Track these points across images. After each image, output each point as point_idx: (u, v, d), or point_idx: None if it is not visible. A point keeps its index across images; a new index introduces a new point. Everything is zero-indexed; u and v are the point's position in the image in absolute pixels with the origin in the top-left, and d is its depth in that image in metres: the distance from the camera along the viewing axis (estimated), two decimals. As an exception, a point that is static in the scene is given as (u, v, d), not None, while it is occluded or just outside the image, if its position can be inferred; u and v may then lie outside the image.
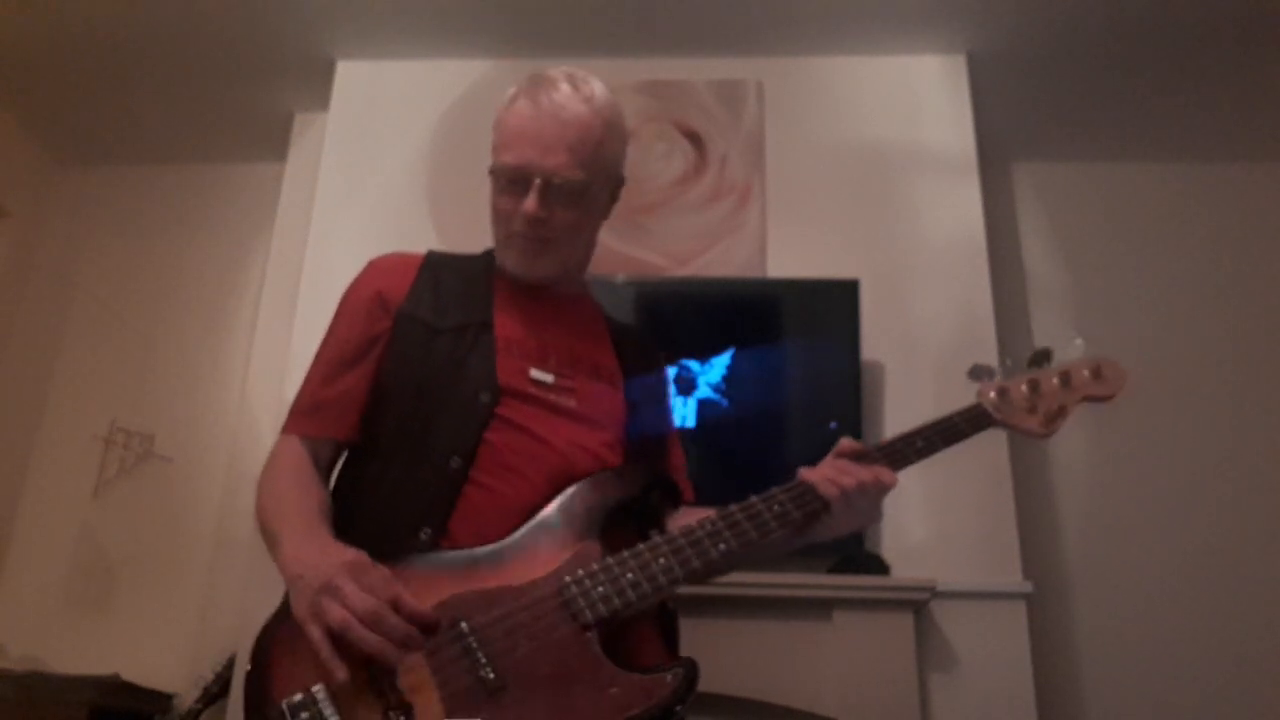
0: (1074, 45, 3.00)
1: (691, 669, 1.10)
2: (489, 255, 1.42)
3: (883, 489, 1.21)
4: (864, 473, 1.20)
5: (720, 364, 2.62)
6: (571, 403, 1.28)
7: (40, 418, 3.39)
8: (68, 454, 3.30)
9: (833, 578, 2.41)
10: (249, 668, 1.09)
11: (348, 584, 1.02)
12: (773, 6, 2.94)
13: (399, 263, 1.38)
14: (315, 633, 1.02)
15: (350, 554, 1.07)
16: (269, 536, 1.16)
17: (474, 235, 1.52)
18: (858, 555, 2.47)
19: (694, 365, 2.62)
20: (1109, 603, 2.95)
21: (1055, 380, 1.34)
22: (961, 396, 1.38)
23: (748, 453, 2.52)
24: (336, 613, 1.01)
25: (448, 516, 1.17)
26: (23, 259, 3.53)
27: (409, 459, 1.22)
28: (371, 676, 1.03)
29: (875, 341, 2.72)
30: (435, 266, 1.37)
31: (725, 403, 2.60)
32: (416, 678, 1.03)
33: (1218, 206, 3.39)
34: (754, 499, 1.21)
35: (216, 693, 2.64)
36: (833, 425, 2.56)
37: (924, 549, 2.57)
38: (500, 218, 1.33)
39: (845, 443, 1.25)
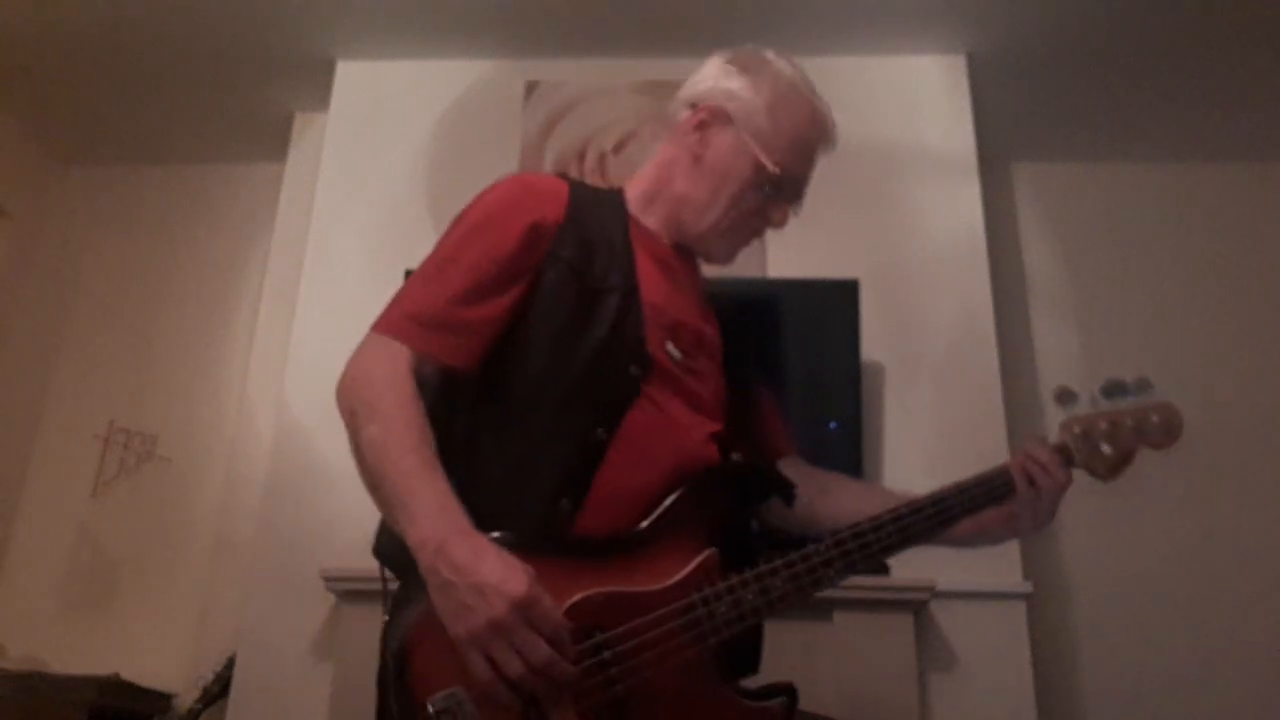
0: (1074, 45, 3.00)
1: (793, 698, 1.16)
2: (621, 200, 1.34)
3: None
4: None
5: (720, 364, 2.62)
6: (696, 385, 1.25)
7: (40, 417, 3.39)
8: (68, 454, 3.30)
9: (833, 578, 2.41)
10: (398, 653, 1.04)
11: (522, 630, 0.97)
12: (773, 6, 2.94)
13: (551, 190, 1.26)
14: (481, 666, 0.97)
15: (518, 582, 0.98)
16: (385, 484, 1.06)
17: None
18: (858, 555, 2.47)
19: (694, 365, 2.62)
20: (1109, 603, 2.95)
21: (1130, 423, 1.32)
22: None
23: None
24: (515, 666, 0.96)
25: (586, 489, 1.12)
26: (23, 259, 3.53)
27: (551, 421, 1.16)
28: (510, 685, 1.00)
29: (875, 341, 2.72)
30: (580, 202, 1.26)
31: (725, 403, 2.59)
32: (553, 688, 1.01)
33: (1218, 206, 3.39)
34: (864, 523, 1.22)
35: (216, 693, 2.64)
36: (832, 425, 2.56)
37: (924, 549, 2.56)
38: (742, 209, 1.30)
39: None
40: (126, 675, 2.75)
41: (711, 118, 1.31)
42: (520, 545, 1.04)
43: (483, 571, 0.98)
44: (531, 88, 3.12)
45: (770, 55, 1.34)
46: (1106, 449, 1.31)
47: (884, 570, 2.46)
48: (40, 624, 3.09)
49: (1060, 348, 3.25)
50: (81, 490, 3.24)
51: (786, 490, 1.28)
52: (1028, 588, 2.52)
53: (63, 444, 3.33)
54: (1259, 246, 3.34)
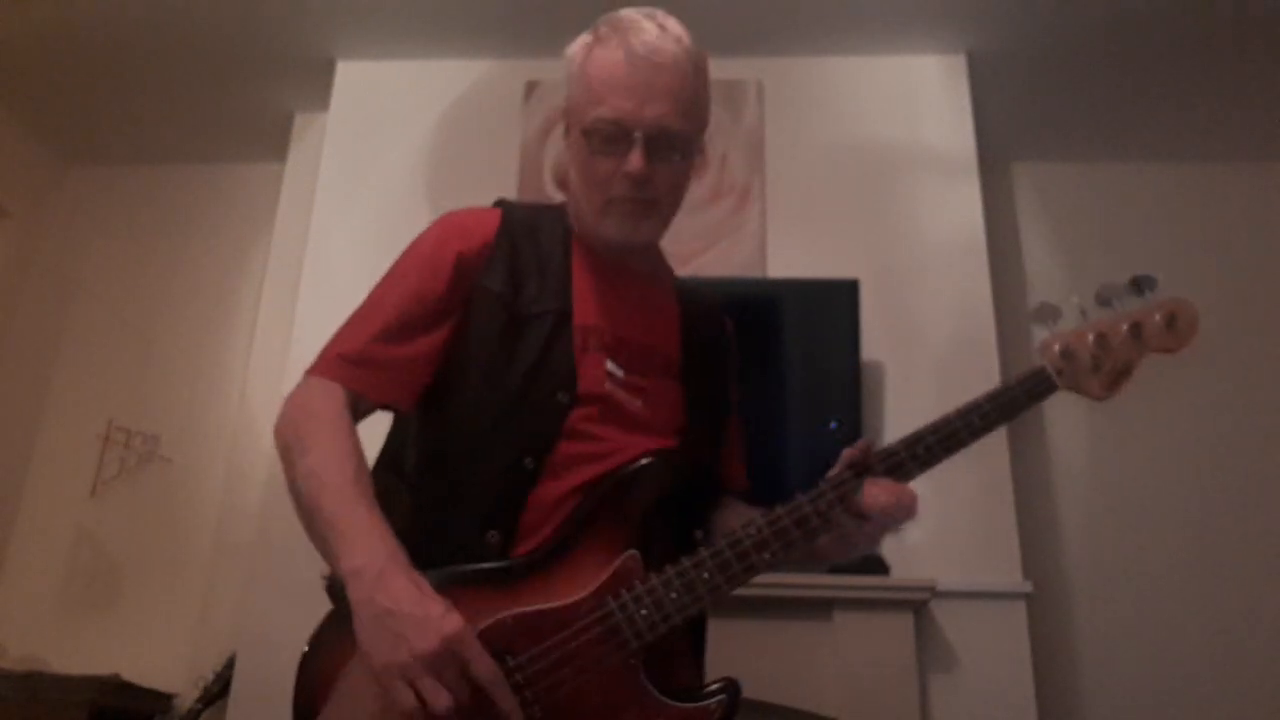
0: (1074, 45, 3.00)
1: (734, 694, 1.08)
2: (563, 215, 1.31)
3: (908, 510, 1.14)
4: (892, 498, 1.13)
5: (720, 364, 2.62)
6: (638, 403, 1.21)
7: (40, 417, 3.39)
8: (68, 454, 3.30)
9: (833, 578, 2.41)
10: (297, 687, 1.06)
11: (453, 668, 0.95)
12: (773, 6, 2.94)
13: (477, 223, 1.26)
14: (407, 697, 0.94)
15: (455, 621, 0.97)
16: (320, 514, 1.05)
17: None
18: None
19: (694, 365, 2.61)
20: (1109, 603, 2.95)
21: (1125, 330, 1.14)
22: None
23: (748, 453, 2.52)
24: (443, 699, 0.94)
25: (516, 520, 1.12)
26: (23, 259, 3.53)
27: (483, 452, 1.15)
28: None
29: (875, 341, 2.72)
30: (511, 230, 1.25)
31: (725, 403, 2.59)
32: None
33: (1218, 206, 3.39)
34: (800, 498, 1.12)
35: (216, 693, 2.64)
36: (833, 425, 2.56)
37: (924, 549, 2.57)
38: (596, 182, 1.21)
39: (853, 452, 1.14)
40: (126, 675, 2.75)
41: (565, 121, 1.27)
42: (438, 576, 1.03)
43: (426, 604, 0.97)
44: (531, 88, 3.12)
45: (609, 15, 1.25)
46: (1095, 365, 1.13)
47: (884, 570, 2.46)
48: (40, 624, 3.09)
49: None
50: (81, 490, 3.24)
51: (707, 480, 1.26)
52: (1028, 588, 2.52)
53: (63, 444, 3.33)
54: (1259, 246, 3.34)
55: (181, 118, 3.46)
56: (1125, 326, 1.14)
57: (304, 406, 1.14)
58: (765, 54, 3.11)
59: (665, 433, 1.22)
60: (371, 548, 1.01)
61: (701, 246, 2.90)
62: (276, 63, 3.20)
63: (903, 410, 2.69)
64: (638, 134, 1.17)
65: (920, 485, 2.74)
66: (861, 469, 1.13)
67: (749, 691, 2.48)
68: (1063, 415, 3.17)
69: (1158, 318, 1.15)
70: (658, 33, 1.19)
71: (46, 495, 3.29)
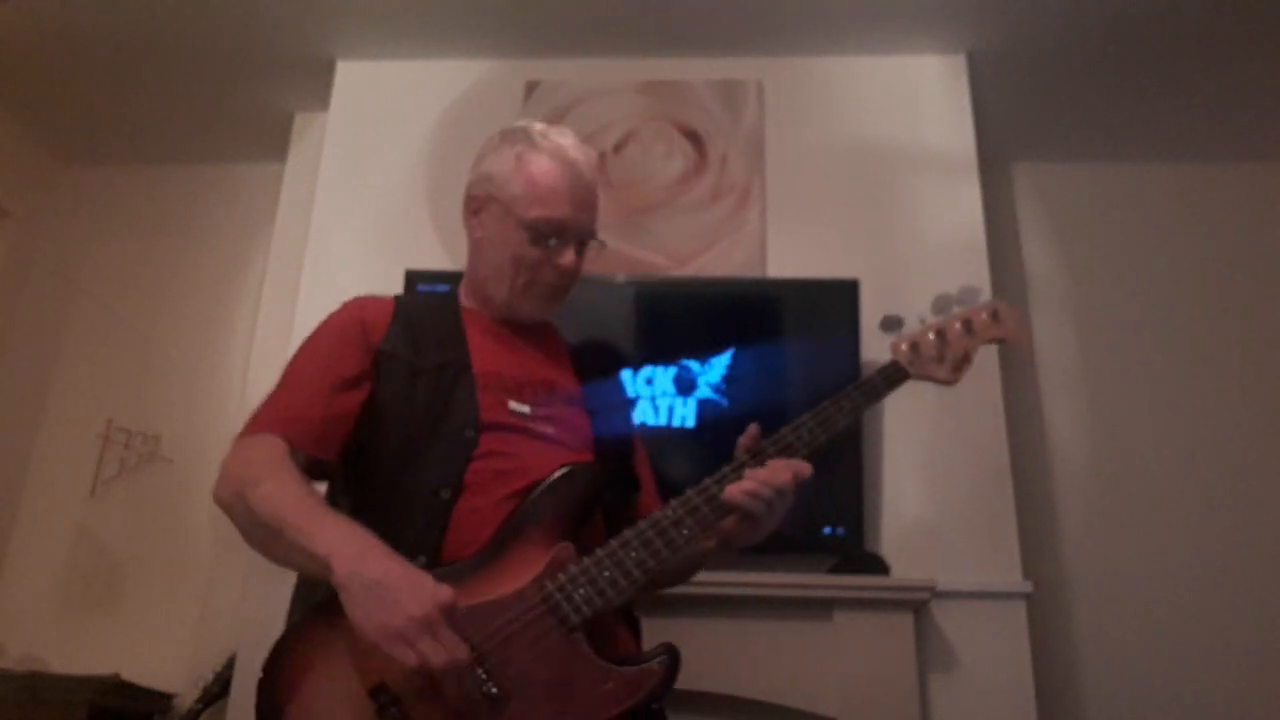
0: (1074, 45, 3.00)
1: (674, 655, 1.17)
2: (450, 296, 1.48)
3: (793, 485, 1.26)
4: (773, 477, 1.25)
5: (720, 364, 2.62)
6: (550, 429, 1.34)
7: (40, 417, 3.40)
8: (68, 454, 3.30)
9: (833, 578, 2.41)
10: (262, 679, 1.12)
11: (445, 633, 1.04)
12: (773, 6, 2.94)
13: (375, 302, 1.43)
14: (411, 657, 1.02)
15: (447, 590, 1.06)
16: (286, 524, 1.13)
17: (474, 235, 1.52)
18: (858, 555, 2.47)
19: (694, 365, 2.62)
20: (1109, 603, 2.95)
21: (959, 326, 1.38)
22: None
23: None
24: (441, 658, 1.03)
25: (440, 543, 1.21)
26: (23, 259, 3.53)
27: (402, 492, 1.26)
28: (380, 703, 1.07)
29: (875, 341, 2.71)
30: (406, 307, 1.42)
31: (725, 403, 2.59)
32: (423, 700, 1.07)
33: (1218, 206, 3.39)
34: (707, 480, 1.26)
35: (217, 693, 2.64)
36: (833, 425, 2.55)
37: (924, 549, 2.57)
38: (525, 265, 1.38)
39: (746, 440, 1.29)
40: (126, 675, 2.75)
41: (479, 203, 1.44)
42: None
43: (415, 573, 1.07)
44: (531, 88, 3.12)
45: (520, 125, 1.45)
46: (939, 356, 1.37)
47: (884, 570, 2.46)
48: (40, 624, 3.09)
49: (1060, 347, 3.25)
50: (81, 490, 3.24)
51: (628, 481, 1.40)
52: (1028, 588, 2.52)
53: (62, 444, 3.33)
54: (1259, 246, 3.34)
55: (181, 118, 3.46)
56: (959, 324, 1.39)
57: (246, 457, 1.24)
58: (765, 54, 3.11)
59: (580, 451, 1.35)
60: (346, 535, 1.10)
61: (701, 246, 2.91)
62: (276, 63, 3.20)
63: (902, 409, 2.69)
64: (573, 236, 1.38)
65: (921, 485, 2.76)
66: (756, 452, 1.27)
67: (749, 691, 2.49)
68: (1064, 415, 3.17)
69: (984, 315, 1.39)
70: (584, 152, 1.42)
71: (46, 495, 3.29)
